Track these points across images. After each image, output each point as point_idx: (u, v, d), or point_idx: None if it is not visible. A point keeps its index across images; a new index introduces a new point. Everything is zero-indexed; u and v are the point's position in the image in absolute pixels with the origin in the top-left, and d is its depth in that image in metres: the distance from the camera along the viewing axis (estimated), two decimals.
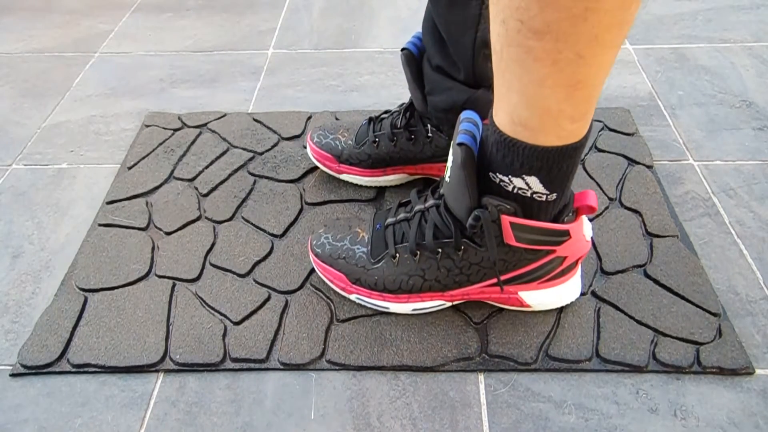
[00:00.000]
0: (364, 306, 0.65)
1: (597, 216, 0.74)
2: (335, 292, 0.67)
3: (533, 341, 0.61)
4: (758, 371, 0.59)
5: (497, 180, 0.53)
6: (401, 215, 0.64)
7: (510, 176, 0.52)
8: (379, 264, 0.63)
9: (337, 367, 0.60)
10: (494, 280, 0.61)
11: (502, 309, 0.64)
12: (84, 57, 1.10)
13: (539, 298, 0.63)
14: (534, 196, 0.53)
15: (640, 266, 0.68)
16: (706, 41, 1.07)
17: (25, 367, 0.61)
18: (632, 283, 0.66)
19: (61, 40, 1.15)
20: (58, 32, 1.18)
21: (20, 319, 0.66)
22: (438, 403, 0.58)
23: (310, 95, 0.98)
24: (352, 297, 0.65)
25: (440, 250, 0.60)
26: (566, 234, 0.56)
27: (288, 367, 0.61)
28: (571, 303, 0.64)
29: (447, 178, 0.57)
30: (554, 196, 0.53)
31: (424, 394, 0.58)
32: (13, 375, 0.61)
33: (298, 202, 0.78)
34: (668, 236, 0.71)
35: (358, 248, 0.65)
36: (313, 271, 0.69)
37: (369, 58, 1.07)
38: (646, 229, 0.72)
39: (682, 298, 0.65)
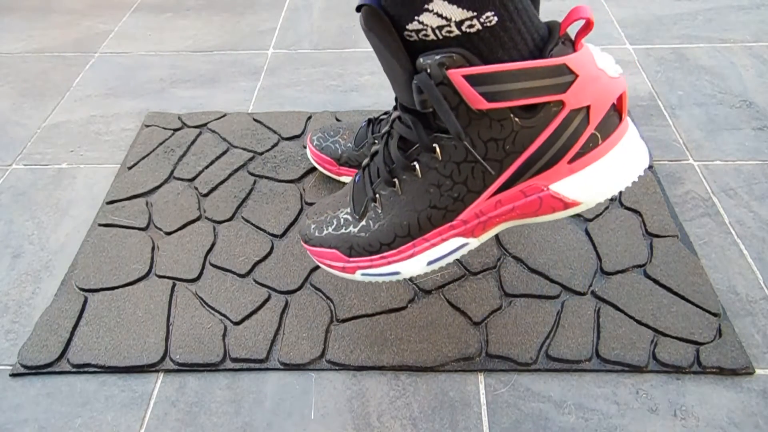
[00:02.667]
0: (377, 282, 0.58)
1: (597, 216, 0.74)
2: (336, 291, 0.67)
3: (533, 341, 0.61)
4: (758, 371, 0.59)
5: (414, 37, 0.42)
6: (372, 151, 0.53)
7: (416, 17, 0.40)
8: (365, 217, 0.52)
9: (337, 367, 0.60)
10: (505, 178, 0.45)
11: (502, 308, 0.64)
12: (84, 57, 1.11)
13: (584, 182, 0.45)
14: (465, 28, 0.40)
15: (640, 266, 0.68)
16: (706, 41, 1.07)
17: (25, 367, 0.61)
18: (632, 283, 0.66)
19: (61, 40, 1.15)
20: (58, 32, 1.18)
21: (20, 319, 0.67)
22: (438, 403, 0.58)
23: (310, 95, 0.98)
24: (358, 276, 0.54)
25: (415, 162, 0.47)
26: (565, 70, 0.42)
27: (288, 367, 0.61)
28: (571, 303, 0.64)
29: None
30: (492, 18, 0.40)
31: (424, 394, 0.59)
32: (13, 375, 0.61)
33: (298, 202, 0.78)
34: (668, 236, 0.71)
35: (341, 212, 0.55)
36: (313, 271, 0.69)
37: (369, 58, 1.07)
38: (646, 229, 0.72)
39: (682, 298, 0.65)
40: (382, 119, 0.76)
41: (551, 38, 0.43)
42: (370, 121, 0.77)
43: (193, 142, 0.88)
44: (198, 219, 0.76)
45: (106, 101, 0.99)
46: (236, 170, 0.83)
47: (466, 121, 0.43)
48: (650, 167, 0.80)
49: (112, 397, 0.59)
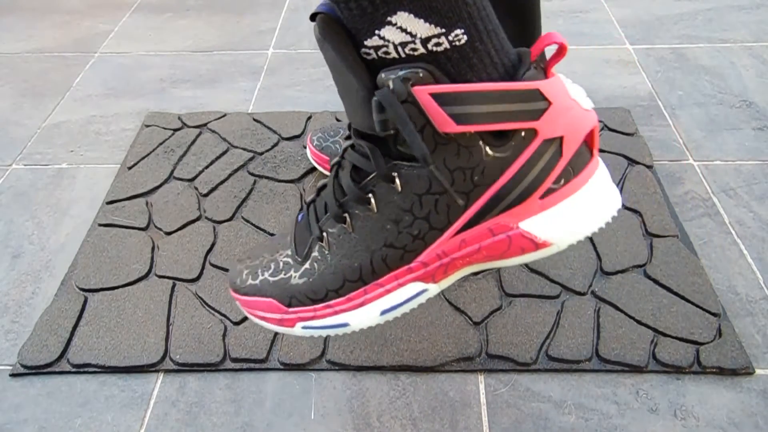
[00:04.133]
0: (320, 338, 0.54)
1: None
2: None
3: (533, 341, 0.61)
4: (758, 371, 0.59)
5: (373, 54, 0.38)
6: (319, 185, 0.47)
7: (376, 31, 0.36)
8: (308, 260, 0.45)
9: (337, 367, 0.60)
10: (471, 214, 0.41)
11: (502, 308, 0.64)
12: (84, 57, 1.11)
13: (555, 221, 0.41)
14: (432, 46, 0.37)
15: (640, 266, 0.68)
16: (706, 41, 1.07)
17: (25, 367, 0.61)
18: (632, 283, 0.66)
19: (61, 40, 1.15)
20: (58, 32, 1.18)
21: (20, 319, 0.67)
22: (438, 403, 0.58)
23: (310, 95, 0.98)
24: (297, 330, 0.47)
25: (370, 194, 0.42)
26: (538, 96, 0.38)
27: (288, 367, 0.61)
28: (571, 303, 0.64)
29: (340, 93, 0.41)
30: (462, 36, 0.37)
31: (424, 394, 0.58)
32: (13, 375, 0.61)
33: (298, 202, 0.78)
34: (668, 236, 0.71)
35: (280, 255, 0.48)
36: None
37: None
38: (646, 229, 0.72)
39: (682, 298, 0.65)
40: None
41: (522, 63, 0.40)
42: None
43: (193, 142, 0.88)
44: (198, 219, 0.76)
45: (106, 101, 0.99)
46: (236, 170, 0.83)
47: (431, 145, 0.39)
48: (650, 167, 0.80)
49: (112, 397, 0.59)
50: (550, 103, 0.39)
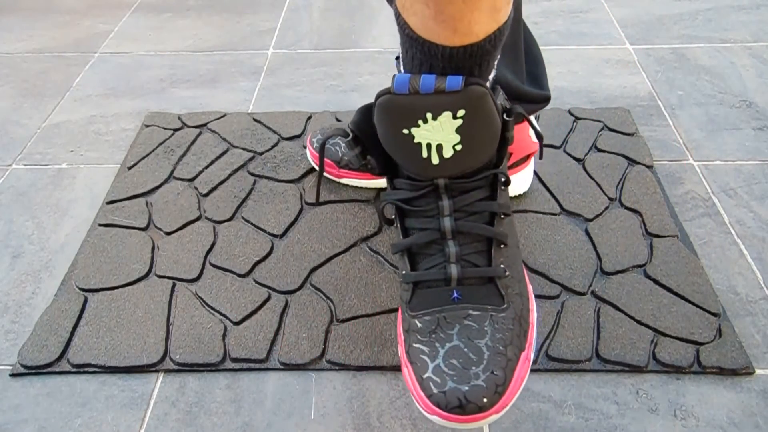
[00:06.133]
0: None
1: (597, 216, 0.74)
2: (336, 291, 0.67)
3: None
4: (758, 371, 0.59)
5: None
6: (455, 253, 0.49)
7: (489, 76, 0.48)
8: (507, 295, 0.50)
9: (337, 367, 0.60)
10: None
11: None
12: (84, 57, 1.11)
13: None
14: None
15: (640, 266, 0.68)
16: (706, 41, 1.07)
17: (25, 367, 0.61)
18: (632, 283, 0.66)
19: (61, 40, 1.15)
20: (58, 32, 1.18)
21: (20, 319, 0.67)
22: None
23: (310, 95, 0.98)
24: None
25: (505, 199, 0.53)
26: None
27: (288, 367, 0.61)
28: (571, 303, 0.64)
29: (447, 153, 0.47)
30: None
31: None
32: (13, 375, 0.61)
33: (298, 202, 0.78)
34: (668, 236, 0.71)
35: (495, 319, 0.48)
36: (313, 271, 0.69)
37: (369, 58, 1.07)
38: (646, 229, 0.72)
39: (682, 298, 0.65)
40: None
41: None
42: None
43: (193, 142, 0.88)
44: (198, 219, 0.76)
45: (106, 101, 0.99)
46: (236, 170, 0.83)
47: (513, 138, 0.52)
48: (650, 167, 0.80)
49: (112, 397, 0.59)
50: None
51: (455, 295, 0.49)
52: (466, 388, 0.43)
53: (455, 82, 0.44)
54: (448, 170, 0.48)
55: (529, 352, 0.49)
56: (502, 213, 0.51)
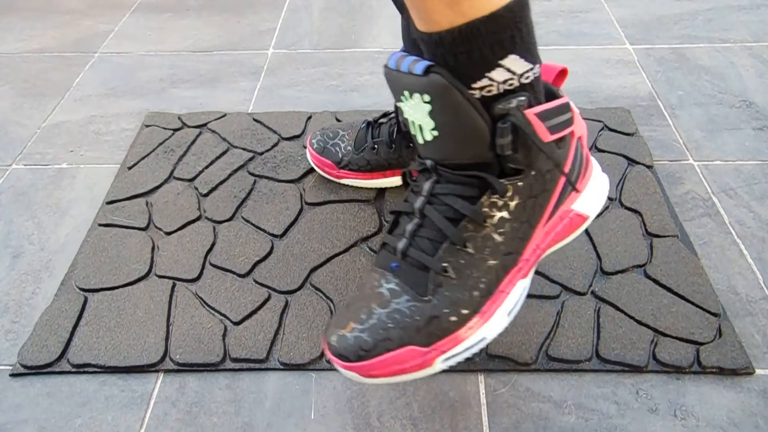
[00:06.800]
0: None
1: (597, 216, 0.74)
2: (336, 291, 0.67)
3: (533, 341, 0.61)
4: (758, 371, 0.59)
5: (477, 93, 0.45)
6: (410, 230, 0.50)
7: (486, 73, 0.44)
8: (436, 294, 0.49)
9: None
10: (552, 206, 0.51)
11: None
12: (84, 57, 1.11)
13: (589, 199, 0.55)
14: (523, 80, 0.45)
15: (640, 266, 0.68)
16: (706, 41, 1.07)
17: (25, 367, 0.61)
18: (632, 283, 0.66)
19: (61, 40, 1.15)
20: (58, 32, 1.18)
21: (20, 319, 0.67)
22: (438, 403, 0.58)
23: (310, 95, 0.98)
24: (438, 366, 0.48)
25: (484, 212, 0.48)
26: (568, 108, 0.50)
27: (288, 367, 0.61)
28: (571, 303, 0.64)
29: (428, 137, 0.48)
30: (538, 69, 0.46)
31: (424, 394, 0.58)
32: (13, 375, 0.61)
33: (298, 202, 0.78)
34: (668, 236, 0.71)
35: (397, 303, 0.49)
36: (313, 271, 0.69)
37: (369, 58, 1.07)
38: (646, 229, 0.72)
39: (682, 298, 0.65)
40: (381, 122, 0.76)
41: (550, 85, 0.51)
42: (368, 123, 0.77)
43: (193, 142, 0.88)
44: (198, 219, 0.76)
45: (106, 101, 0.99)
46: (236, 170, 0.83)
47: (536, 155, 0.48)
48: (650, 167, 0.80)
49: (112, 397, 0.59)
50: (573, 113, 0.50)
51: (394, 265, 0.51)
52: (340, 334, 0.48)
53: (419, 67, 0.45)
54: (431, 153, 0.49)
55: (429, 357, 0.48)
56: (471, 219, 0.49)
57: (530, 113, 0.46)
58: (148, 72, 1.06)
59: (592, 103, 0.94)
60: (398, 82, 0.47)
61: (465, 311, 0.48)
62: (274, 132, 0.89)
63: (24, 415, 0.58)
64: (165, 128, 0.91)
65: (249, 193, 0.79)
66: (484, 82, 0.44)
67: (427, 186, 0.50)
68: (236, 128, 0.90)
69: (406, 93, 0.47)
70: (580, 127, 0.52)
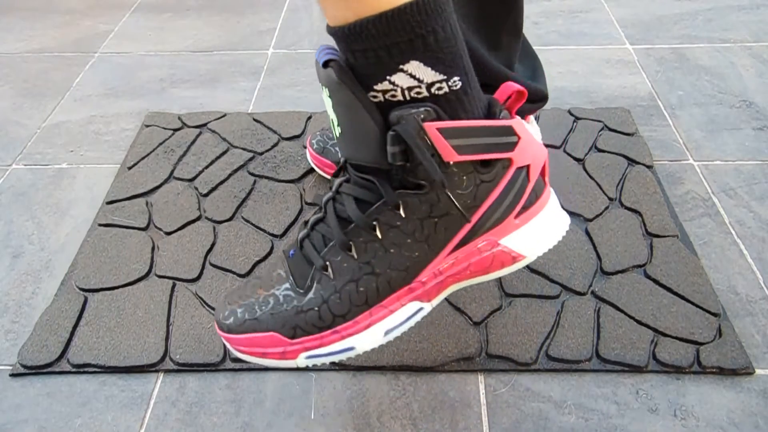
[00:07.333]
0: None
1: (597, 216, 0.74)
2: None
3: (533, 341, 0.61)
4: (758, 371, 0.59)
5: (380, 97, 0.43)
6: (312, 221, 0.51)
7: (387, 77, 0.42)
8: (312, 290, 0.48)
9: (337, 367, 0.60)
10: (464, 233, 0.47)
11: (502, 308, 0.64)
12: (84, 57, 1.11)
13: (527, 237, 0.50)
14: (435, 90, 0.43)
15: (640, 266, 0.68)
16: (706, 41, 1.07)
17: (25, 367, 0.61)
18: (632, 283, 0.66)
19: (61, 40, 1.15)
20: (58, 32, 1.18)
21: (20, 319, 0.67)
22: (438, 403, 0.58)
23: (310, 95, 0.98)
24: (301, 360, 0.48)
25: (375, 222, 0.47)
26: (511, 132, 0.46)
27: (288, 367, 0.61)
28: (571, 303, 0.64)
29: (337, 132, 0.47)
30: (458, 82, 0.43)
31: (424, 394, 0.59)
32: (13, 375, 0.61)
33: (298, 202, 0.78)
34: (668, 236, 0.71)
35: (277, 290, 0.49)
36: None
37: None
38: (646, 229, 0.72)
39: (682, 298, 0.65)
40: None
41: (493, 106, 0.47)
42: None
43: (193, 142, 0.88)
44: (198, 219, 0.76)
45: (106, 101, 0.99)
46: (236, 170, 0.83)
47: (431, 159, 0.44)
48: (650, 167, 0.80)
49: (112, 397, 0.59)
50: (519, 138, 0.47)
51: (291, 252, 0.51)
52: (227, 304, 0.50)
53: (322, 60, 0.44)
54: (341, 150, 0.48)
55: (292, 349, 0.48)
56: (358, 225, 0.47)
57: (431, 126, 0.43)
58: (148, 72, 1.06)
59: (592, 103, 0.94)
60: (318, 74, 0.46)
61: (335, 314, 0.47)
62: (274, 132, 0.89)
63: (24, 415, 0.58)
64: (165, 128, 0.91)
65: (249, 193, 0.79)
66: (385, 85, 0.42)
67: (336, 182, 0.49)
68: (236, 128, 0.90)
69: (322, 85, 0.46)
70: (529, 155, 0.48)
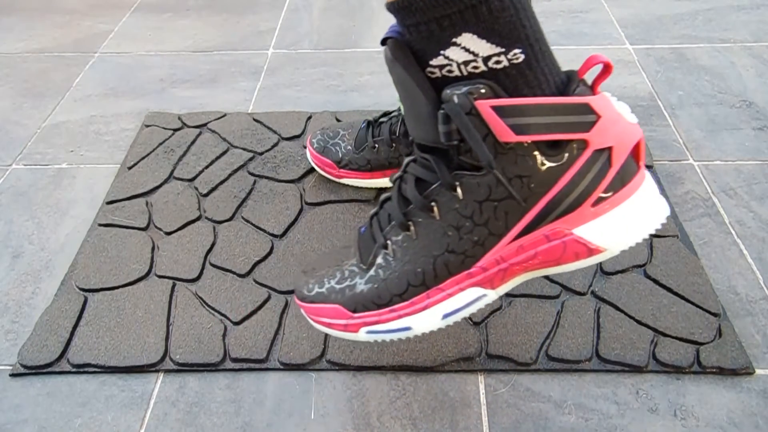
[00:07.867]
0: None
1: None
2: None
3: (533, 341, 0.61)
4: (758, 371, 0.59)
5: (437, 73, 0.42)
6: (382, 198, 0.51)
7: (441, 51, 0.41)
8: (373, 267, 0.49)
9: (337, 367, 0.60)
10: (528, 220, 0.44)
11: (502, 308, 0.64)
12: (84, 57, 1.11)
13: (608, 228, 0.44)
14: (492, 64, 0.40)
15: (640, 266, 0.68)
16: (706, 41, 1.07)
17: (25, 367, 0.61)
18: (632, 283, 0.66)
19: (61, 40, 1.15)
20: (58, 32, 1.18)
21: (20, 319, 0.67)
22: (438, 403, 0.58)
23: (310, 95, 0.98)
24: (362, 335, 0.49)
25: (433, 203, 0.45)
26: (588, 110, 0.42)
27: (288, 367, 0.61)
28: (571, 303, 0.64)
29: (403, 110, 0.46)
30: (519, 55, 0.40)
31: (424, 394, 0.59)
32: (13, 375, 0.61)
33: (298, 202, 0.78)
34: (668, 236, 0.71)
35: (345, 264, 0.51)
36: None
37: (369, 58, 1.07)
38: None
39: (682, 298, 0.65)
40: (382, 121, 0.76)
41: (572, 81, 0.43)
42: (369, 123, 0.77)
43: (193, 142, 0.88)
44: (198, 219, 0.76)
45: (106, 101, 0.99)
46: (236, 170, 0.83)
47: (492, 154, 0.42)
48: (650, 167, 0.80)
49: (112, 397, 0.59)
50: (599, 117, 0.42)
51: (362, 228, 0.53)
52: (305, 273, 0.54)
53: (386, 34, 0.43)
54: (408, 128, 0.47)
55: (353, 323, 0.49)
56: (416, 205, 0.46)
57: (483, 105, 0.40)
58: (148, 72, 1.06)
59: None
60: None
61: (392, 293, 0.48)
62: (274, 132, 0.89)
63: (24, 415, 0.58)
64: (165, 128, 0.91)
65: (249, 193, 0.79)
66: (441, 60, 0.41)
67: (406, 161, 0.48)
68: (236, 128, 0.90)
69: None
70: (611, 137, 0.43)
